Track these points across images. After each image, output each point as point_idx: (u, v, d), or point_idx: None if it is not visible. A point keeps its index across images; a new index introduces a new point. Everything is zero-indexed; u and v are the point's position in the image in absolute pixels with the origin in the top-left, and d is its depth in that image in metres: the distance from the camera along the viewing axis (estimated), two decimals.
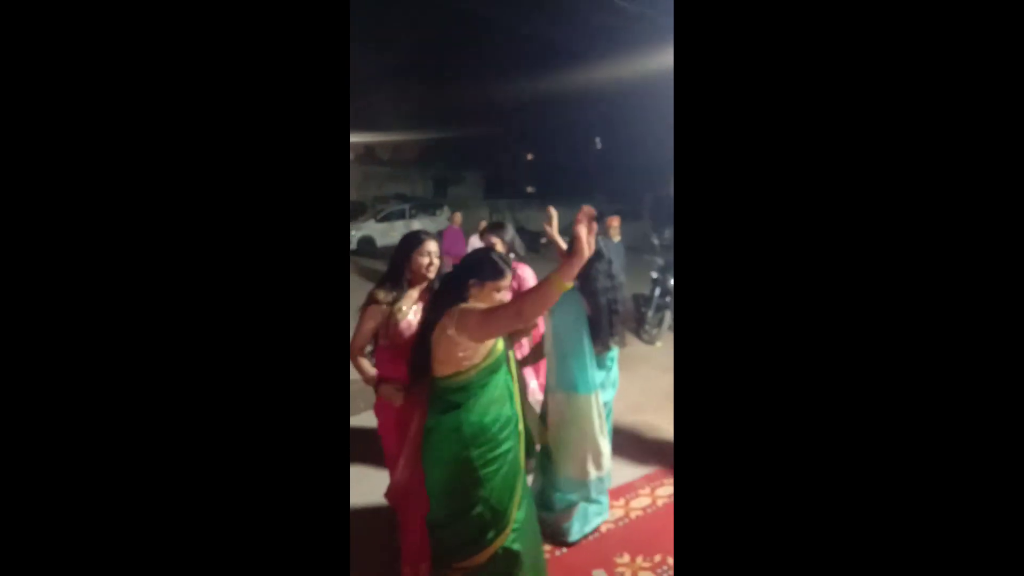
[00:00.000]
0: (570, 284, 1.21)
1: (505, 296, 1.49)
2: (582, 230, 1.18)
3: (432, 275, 1.84)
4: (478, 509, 1.46)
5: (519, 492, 1.54)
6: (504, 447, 1.48)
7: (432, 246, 1.83)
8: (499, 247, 2.21)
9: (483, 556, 1.49)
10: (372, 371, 1.82)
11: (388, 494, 1.93)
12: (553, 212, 1.95)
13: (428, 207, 14.00)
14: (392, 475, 1.83)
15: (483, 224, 2.55)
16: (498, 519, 1.49)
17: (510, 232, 2.29)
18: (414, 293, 1.84)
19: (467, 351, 1.39)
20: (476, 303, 1.44)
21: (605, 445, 2.06)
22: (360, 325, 1.80)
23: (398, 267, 1.82)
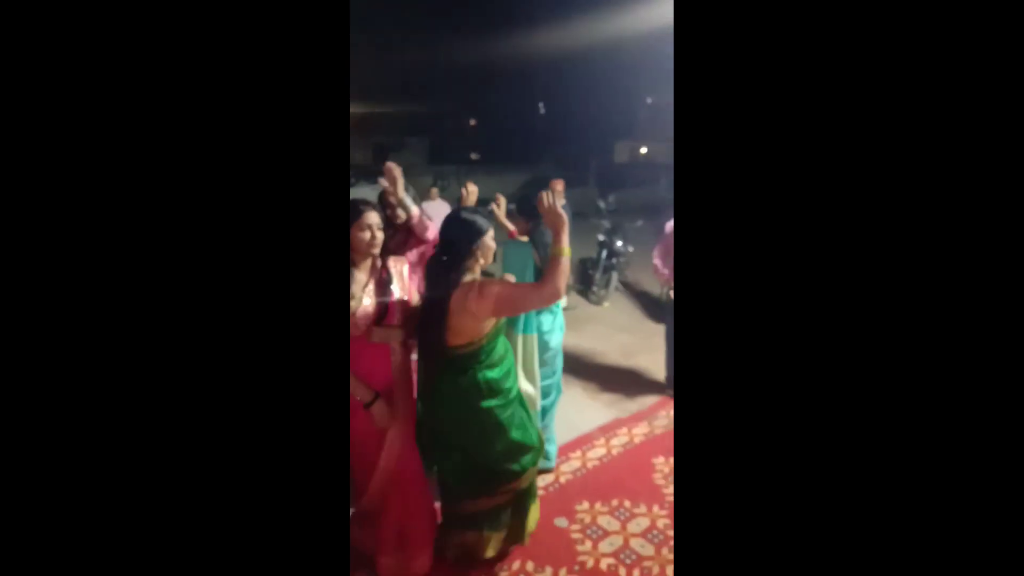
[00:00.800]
0: (569, 249, 1.46)
1: (493, 241, 1.59)
2: (556, 206, 1.45)
3: (376, 250, 1.60)
4: (516, 438, 1.65)
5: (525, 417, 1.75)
6: (513, 392, 1.68)
7: (372, 217, 1.58)
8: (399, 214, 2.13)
9: (524, 480, 1.73)
10: (367, 394, 1.59)
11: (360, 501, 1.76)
12: (501, 199, 2.35)
13: (369, 175, 13.47)
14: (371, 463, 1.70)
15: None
16: (525, 448, 1.69)
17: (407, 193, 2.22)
18: (361, 275, 1.60)
19: (482, 322, 1.53)
20: (479, 264, 1.56)
21: (528, 387, 2.15)
22: None
23: None
